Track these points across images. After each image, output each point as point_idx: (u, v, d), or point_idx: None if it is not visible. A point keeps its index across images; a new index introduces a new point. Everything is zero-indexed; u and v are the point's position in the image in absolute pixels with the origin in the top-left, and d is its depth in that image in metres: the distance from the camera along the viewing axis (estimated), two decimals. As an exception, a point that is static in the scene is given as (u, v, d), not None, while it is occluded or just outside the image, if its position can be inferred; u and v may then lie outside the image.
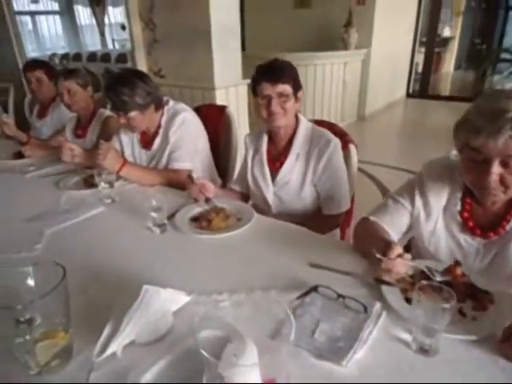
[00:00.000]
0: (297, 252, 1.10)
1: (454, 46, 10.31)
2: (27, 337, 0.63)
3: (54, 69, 2.52)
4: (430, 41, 7.15)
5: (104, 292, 0.94)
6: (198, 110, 1.93)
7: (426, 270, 0.91)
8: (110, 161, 1.49)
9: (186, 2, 2.96)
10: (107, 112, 2.17)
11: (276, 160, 1.51)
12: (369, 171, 3.73)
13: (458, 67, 10.64)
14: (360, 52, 5.37)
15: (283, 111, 1.38)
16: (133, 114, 1.58)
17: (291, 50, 5.14)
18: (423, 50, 7.26)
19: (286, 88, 1.36)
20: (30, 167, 1.81)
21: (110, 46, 11.65)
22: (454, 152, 1.04)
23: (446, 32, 9.82)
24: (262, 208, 1.57)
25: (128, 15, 3.31)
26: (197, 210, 1.33)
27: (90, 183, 1.58)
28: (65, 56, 9.26)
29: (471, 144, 0.87)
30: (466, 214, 1.03)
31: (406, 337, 0.78)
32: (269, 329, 0.80)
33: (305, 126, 1.48)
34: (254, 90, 1.41)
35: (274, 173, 1.51)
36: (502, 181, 0.89)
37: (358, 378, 0.70)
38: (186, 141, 1.67)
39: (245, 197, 1.70)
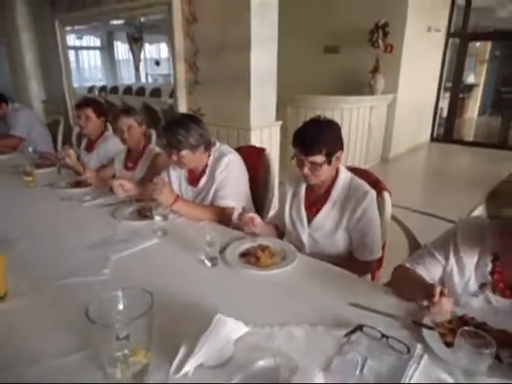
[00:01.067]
0: (338, 291, 1.20)
1: (478, 93, 10.48)
2: (126, 351, 0.75)
3: (103, 107, 2.76)
4: (454, 87, 7.32)
5: (167, 318, 1.04)
6: (238, 150, 2.09)
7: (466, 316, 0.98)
8: (165, 195, 1.64)
9: (229, 48, 3.22)
10: (157, 149, 2.36)
11: (313, 206, 1.61)
12: (392, 213, 3.80)
13: (482, 113, 10.76)
14: (386, 97, 5.57)
15: (314, 176, 1.49)
16: (184, 152, 1.75)
17: (320, 92, 5.37)
18: (447, 95, 7.42)
19: (318, 159, 1.45)
20: (86, 196, 1.99)
21: (143, 80, 12.32)
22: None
23: (471, 79, 10.03)
24: (297, 246, 1.67)
25: (173, 59, 3.60)
26: (244, 246, 1.45)
27: (143, 215, 1.73)
28: (103, 88, 9.86)
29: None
30: (496, 276, 1.10)
31: (445, 377, 0.86)
32: (319, 362, 0.89)
33: (344, 176, 1.58)
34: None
35: (311, 216, 1.61)
36: None
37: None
38: (231, 181, 1.82)
39: (280, 232, 1.81)
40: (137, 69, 12.44)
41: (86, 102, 2.65)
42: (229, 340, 0.89)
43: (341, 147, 1.52)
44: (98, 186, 2.16)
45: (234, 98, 3.30)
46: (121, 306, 0.85)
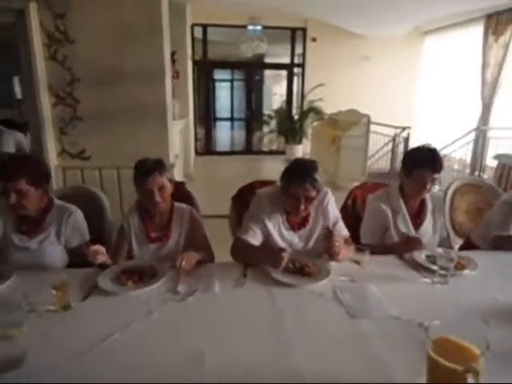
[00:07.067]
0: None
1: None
2: None
3: None
4: (207, 109, 8.56)
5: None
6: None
7: None
8: None
9: (130, 78, 2.77)
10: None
11: (416, 217, 1.96)
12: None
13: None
14: (186, 120, 5.96)
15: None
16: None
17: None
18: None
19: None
20: (179, 286, 1.44)
21: None
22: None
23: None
24: None
25: (30, 90, 2.63)
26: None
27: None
28: None
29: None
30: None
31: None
32: None
33: None
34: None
35: (415, 226, 1.94)
36: None
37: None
38: (338, 212, 1.90)
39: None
40: None
41: None
42: None
43: None
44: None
45: (143, 135, 2.88)
46: None
